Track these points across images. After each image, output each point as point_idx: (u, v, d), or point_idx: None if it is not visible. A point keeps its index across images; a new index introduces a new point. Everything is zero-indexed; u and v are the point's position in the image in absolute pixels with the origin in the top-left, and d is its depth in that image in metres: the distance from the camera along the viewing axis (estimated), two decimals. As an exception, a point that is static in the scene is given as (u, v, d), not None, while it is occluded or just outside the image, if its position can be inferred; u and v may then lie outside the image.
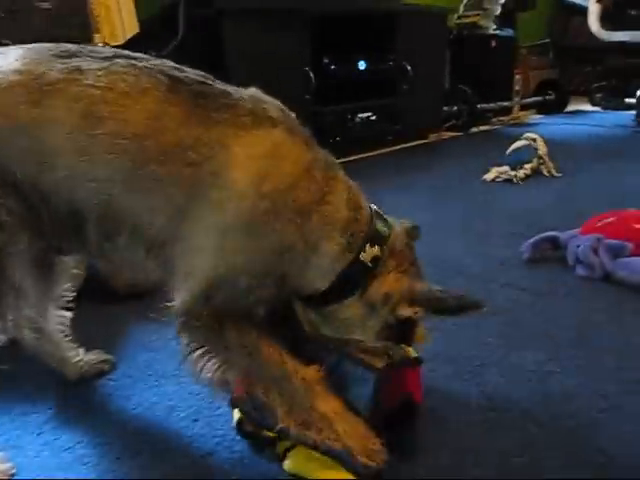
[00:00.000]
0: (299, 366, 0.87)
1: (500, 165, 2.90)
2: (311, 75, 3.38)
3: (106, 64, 0.86)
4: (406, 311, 0.91)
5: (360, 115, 3.68)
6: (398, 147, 3.93)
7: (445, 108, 4.37)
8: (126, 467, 0.98)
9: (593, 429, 1.06)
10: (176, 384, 1.20)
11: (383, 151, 3.82)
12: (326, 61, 3.49)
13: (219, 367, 0.88)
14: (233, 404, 0.93)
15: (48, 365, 1.18)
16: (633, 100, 4.55)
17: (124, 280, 1.44)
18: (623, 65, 4.49)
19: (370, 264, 0.91)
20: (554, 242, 1.84)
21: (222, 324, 0.86)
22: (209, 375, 0.88)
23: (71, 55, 0.87)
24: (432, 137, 4.23)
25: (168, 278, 0.89)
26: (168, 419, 1.10)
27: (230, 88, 0.93)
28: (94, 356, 1.23)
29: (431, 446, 1.01)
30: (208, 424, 1.08)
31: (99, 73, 0.84)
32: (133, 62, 0.88)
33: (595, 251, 1.68)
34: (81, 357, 1.20)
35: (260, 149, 0.86)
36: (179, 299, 0.87)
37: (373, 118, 3.74)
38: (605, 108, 5.24)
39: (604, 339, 1.36)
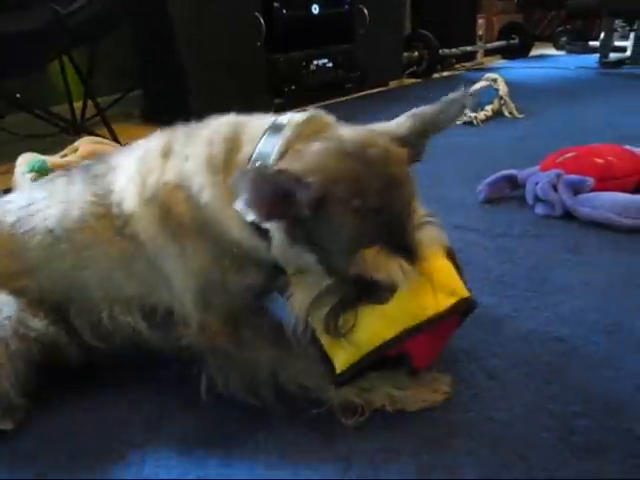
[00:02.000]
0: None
1: (460, 108, 2.75)
2: (261, 20, 3.16)
3: None
4: None
5: (315, 62, 3.47)
6: (357, 95, 3.74)
7: (406, 54, 4.17)
8: None
9: (548, 375, 0.96)
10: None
11: (341, 99, 3.63)
12: (277, 5, 3.25)
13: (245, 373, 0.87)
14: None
15: None
16: (597, 43, 4.42)
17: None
18: (585, 6, 4.33)
19: None
20: (512, 181, 1.72)
21: (235, 327, 0.87)
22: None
23: None
24: (392, 84, 4.04)
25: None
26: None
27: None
28: None
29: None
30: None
31: None
32: None
33: (555, 188, 1.56)
34: None
35: None
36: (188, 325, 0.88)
37: (329, 65, 3.53)
38: (570, 52, 5.10)
39: (563, 280, 1.26)
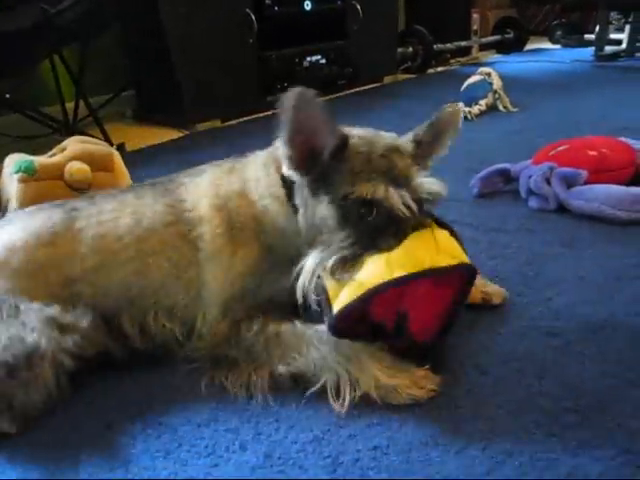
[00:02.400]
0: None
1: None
2: (252, 17, 3.13)
3: None
4: None
5: (308, 59, 3.44)
6: (351, 91, 3.71)
7: (400, 49, 4.14)
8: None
9: (540, 371, 0.94)
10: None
11: (335, 96, 3.60)
12: (268, 2, 3.23)
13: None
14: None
15: None
16: (593, 36, 4.40)
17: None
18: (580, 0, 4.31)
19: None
20: (505, 175, 1.70)
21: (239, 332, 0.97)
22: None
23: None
24: (387, 80, 4.02)
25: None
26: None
27: None
28: None
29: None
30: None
31: None
32: None
33: (548, 181, 1.54)
34: None
35: None
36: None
37: (322, 62, 3.51)
38: (565, 45, 5.07)
39: (556, 274, 1.24)
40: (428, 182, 0.91)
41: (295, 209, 0.97)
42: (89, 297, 0.99)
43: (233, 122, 3.14)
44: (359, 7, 3.63)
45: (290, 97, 0.83)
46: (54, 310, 0.93)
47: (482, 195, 1.69)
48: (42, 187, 1.54)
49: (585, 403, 0.87)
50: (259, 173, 1.02)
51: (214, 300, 1.00)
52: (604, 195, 1.44)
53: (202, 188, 1.04)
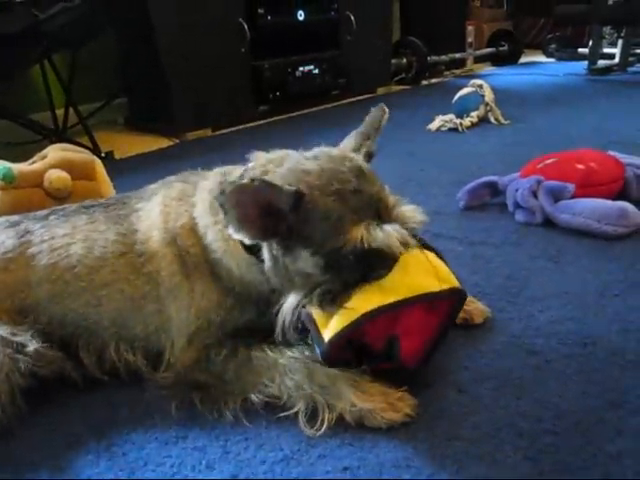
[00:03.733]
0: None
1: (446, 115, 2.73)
2: (245, 27, 3.13)
3: None
4: None
5: (301, 69, 3.44)
6: (344, 102, 3.71)
7: (394, 61, 4.15)
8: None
9: (519, 390, 0.91)
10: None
11: (328, 106, 3.60)
12: (261, 11, 3.23)
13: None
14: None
15: None
16: (586, 50, 4.41)
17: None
18: (573, 13, 4.32)
19: None
20: (493, 187, 1.68)
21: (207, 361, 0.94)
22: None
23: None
24: (380, 91, 4.01)
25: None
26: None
27: None
28: None
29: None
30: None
31: None
32: None
33: (535, 194, 1.52)
34: None
35: None
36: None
37: (315, 72, 3.51)
38: (559, 59, 5.09)
39: (539, 289, 1.22)
40: (409, 210, 0.88)
41: (257, 257, 0.92)
42: (45, 324, 0.97)
43: (224, 131, 3.12)
44: (353, 18, 3.63)
45: (228, 199, 0.79)
46: (3, 330, 0.91)
47: (469, 208, 1.67)
48: (21, 195, 1.51)
49: (564, 424, 0.84)
50: (207, 214, 0.96)
51: (181, 332, 0.97)
52: (590, 209, 1.42)
53: (153, 218, 1.01)
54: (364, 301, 0.83)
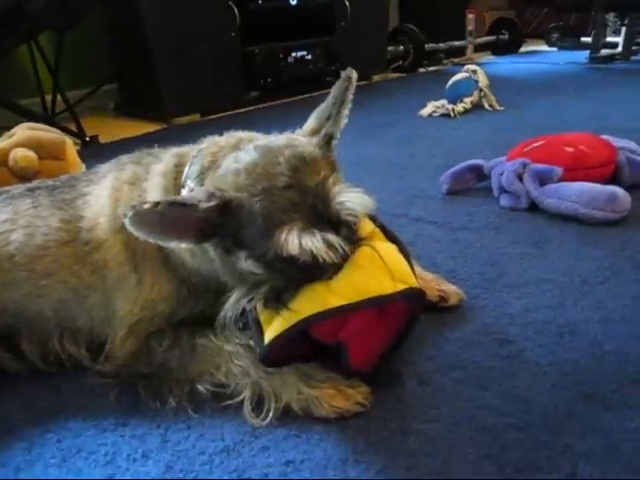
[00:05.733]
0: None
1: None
2: (235, 10, 3.05)
3: None
4: None
5: (293, 54, 3.36)
6: (338, 89, 3.62)
7: (391, 48, 4.06)
8: None
9: (486, 381, 0.85)
10: None
11: (321, 92, 3.51)
12: (251, -5, 3.15)
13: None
14: None
15: None
16: (589, 39, 4.31)
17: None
18: (573, 1, 4.21)
19: None
20: (478, 171, 1.61)
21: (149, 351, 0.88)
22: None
23: None
24: (376, 78, 3.93)
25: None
26: None
27: None
28: None
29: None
30: None
31: None
32: None
33: (520, 178, 1.45)
34: None
35: None
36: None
37: (308, 57, 3.42)
38: (561, 48, 4.99)
39: (518, 276, 1.15)
40: (350, 199, 0.76)
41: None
42: None
43: (213, 117, 3.05)
44: (347, 3, 3.55)
45: (133, 225, 0.69)
46: None
47: (452, 193, 1.60)
48: (-17, 173, 1.45)
49: (531, 419, 0.77)
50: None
51: (122, 323, 0.91)
52: (577, 193, 1.34)
53: (101, 203, 0.94)
54: (307, 303, 0.75)
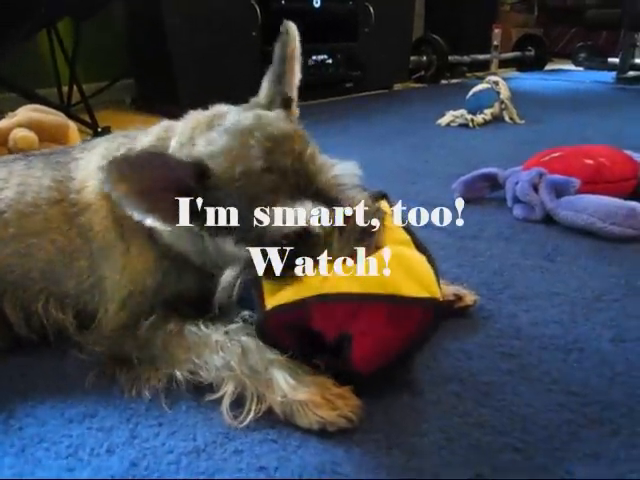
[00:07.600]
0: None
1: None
2: (257, 9, 3.03)
3: None
4: None
5: (314, 58, 3.33)
6: (358, 95, 3.58)
7: (414, 57, 4.01)
8: None
9: (483, 397, 0.78)
10: None
11: (340, 98, 3.48)
12: (274, -5, 3.13)
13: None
14: None
15: None
16: (617, 60, 4.23)
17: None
18: (604, 18, 4.13)
19: None
20: (492, 180, 1.54)
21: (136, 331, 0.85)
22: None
23: None
24: (397, 87, 3.88)
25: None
26: None
27: None
28: None
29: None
30: None
31: None
32: None
33: (536, 188, 1.38)
34: None
35: None
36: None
37: (329, 62, 3.39)
38: (588, 68, 4.91)
39: (527, 288, 1.08)
40: (339, 169, 0.76)
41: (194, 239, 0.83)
42: None
43: (229, 115, 3.02)
44: (372, 9, 3.51)
45: (115, 170, 0.67)
46: None
47: (465, 201, 1.52)
48: (-19, 152, 1.43)
49: (530, 440, 0.70)
50: None
51: (114, 296, 0.88)
52: (595, 206, 1.27)
53: (91, 168, 0.92)
54: (324, 282, 0.71)
